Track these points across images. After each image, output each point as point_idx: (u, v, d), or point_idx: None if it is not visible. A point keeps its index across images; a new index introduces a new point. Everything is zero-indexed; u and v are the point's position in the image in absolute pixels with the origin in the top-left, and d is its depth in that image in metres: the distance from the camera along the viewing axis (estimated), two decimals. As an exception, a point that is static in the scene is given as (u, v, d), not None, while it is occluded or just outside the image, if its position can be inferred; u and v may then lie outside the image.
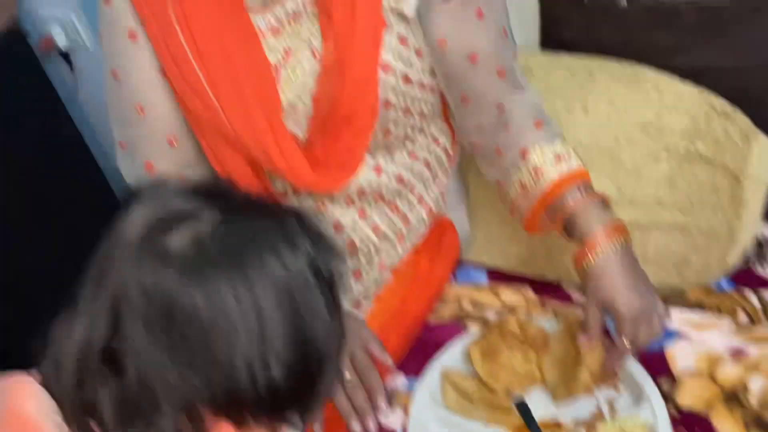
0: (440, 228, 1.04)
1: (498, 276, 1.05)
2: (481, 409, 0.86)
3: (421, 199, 1.01)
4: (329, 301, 0.57)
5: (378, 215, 0.98)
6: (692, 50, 0.98)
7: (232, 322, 0.51)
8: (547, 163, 0.87)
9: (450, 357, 0.91)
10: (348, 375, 0.86)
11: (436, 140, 1.01)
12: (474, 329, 0.96)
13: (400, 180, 0.97)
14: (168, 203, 0.55)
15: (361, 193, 0.95)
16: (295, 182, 0.91)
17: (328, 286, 0.57)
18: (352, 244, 0.97)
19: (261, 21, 0.86)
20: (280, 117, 0.87)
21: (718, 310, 0.92)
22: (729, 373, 0.85)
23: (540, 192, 0.87)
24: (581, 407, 0.84)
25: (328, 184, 0.92)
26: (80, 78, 1.73)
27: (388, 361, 0.88)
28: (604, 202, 0.85)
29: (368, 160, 0.93)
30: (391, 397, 0.89)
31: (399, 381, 0.92)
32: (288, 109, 0.88)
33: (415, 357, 0.94)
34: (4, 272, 1.55)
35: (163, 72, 0.87)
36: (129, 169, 0.95)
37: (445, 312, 1.01)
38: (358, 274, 0.99)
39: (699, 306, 0.93)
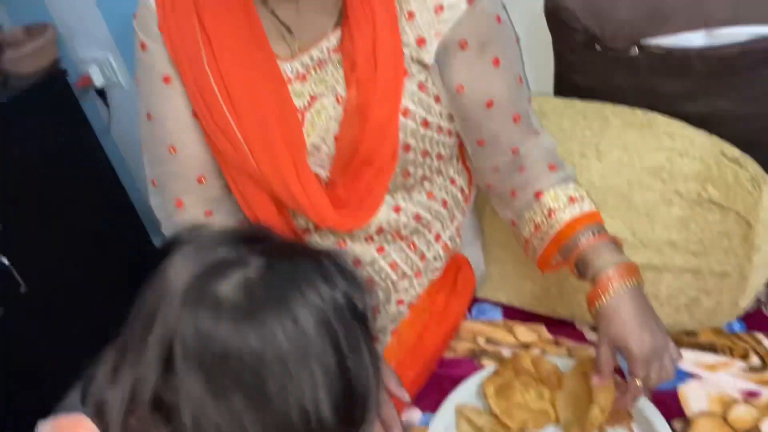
0: (456, 265, 1.07)
1: (512, 313, 1.06)
2: (495, 445, 0.87)
3: (438, 237, 1.04)
4: (367, 336, 0.58)
5: (396, 252, 1.01)
6: (703, 97, 1.00)
7: (285, 364, 0.52)
8: (561, 204, 0.89)
9: (465, 393, 0.93)
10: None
11: (453, 181, 1.04)
12: (488, 366, 0.97)
13: (418, 219, 1.00)
14: (213, 251, 0.56)
15: (381, 230, 0.98)
16: (317, 221, 0.94)
17: (364, 321, 0.58)
18: (371, 280, 1.00)
19: (288, 68, 0.90)
20: (304, 158, 0.91)
21: (730, 351, 0.93)
22: (742, 415, 0.85)
23: (553, 232, 0.89)
24: (594, 446, 0.84)
25: (349, 223, 0.95)
26: (114, 114, 1.80)
27: (405, 396, 0.89)
28: (617, 244, 0.87)
29: (388, 200, 0.96)
30: (406, 432, 0.91)
31: (414, 416, 0.94)
32: (312, 150, 0.91)
33: (430, 392, 0.96)
34: (37, 296, 1.60)
35: (195, 114, 0.92)
36: (160, 206, 0.99)
37: (461, 348, 1.02)
38: (376, 310, 1.01)
39: (711, 347, 0.94)
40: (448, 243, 1.05)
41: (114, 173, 1.80)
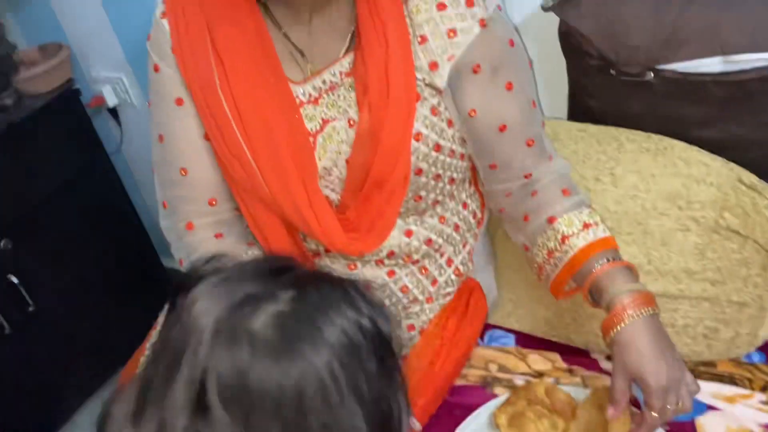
0: (468, 290, 1.05)
1: (525, 340, 1.05)
2: (507, 475, 0.85)
3: (449, 262, 1.03)
4: (394, 359, 0.57)
5: (407, 276, 1.00)
6: (719, 123, 0.99)
7: (325, 396, 0.51)
8: (575, 230, 0.88)
9: (476, 422, 0.91)
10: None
11: (465, 205, 1.03)
12: (501, 394, 0.96)
13: (429, 243, 0.99)
14: (240, 286, 0.55)
15: (392, 254, 0.97)
16: (327, 244, 0.93)
17: (390, 345, 0.58)
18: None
19: (301, 91, 0.90)
20: (315, 182, 0.90)
21: (749, 383, 0.91)
22: (761, 448, 0.83)
23: (567, 258, 0.88)
24: (609, 479, 0.83)
25: (360, 247, 0.94)
26: (126, 133, 1.81)
27: (416, 425, 0.88)
28: (632, 271, 0.85)
29: (399, 224, 0.96)
30: (416, 461, 0.89)
31: (425, 444, 0.93)
32: (323, 173, 0.91)
33: (441, 420, 0.94)
34: (45, 316, 1.60)
35: (207, 137, 0.92)
36: (170, 227, 0.99)
37: (472, 375, 1.01)
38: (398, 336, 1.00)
39: (729, 379, 0.92)
40: (460, 267, 1.04)
41: (125, 193, 1.80)
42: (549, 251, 0.90)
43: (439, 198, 0.97)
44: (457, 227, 1.02)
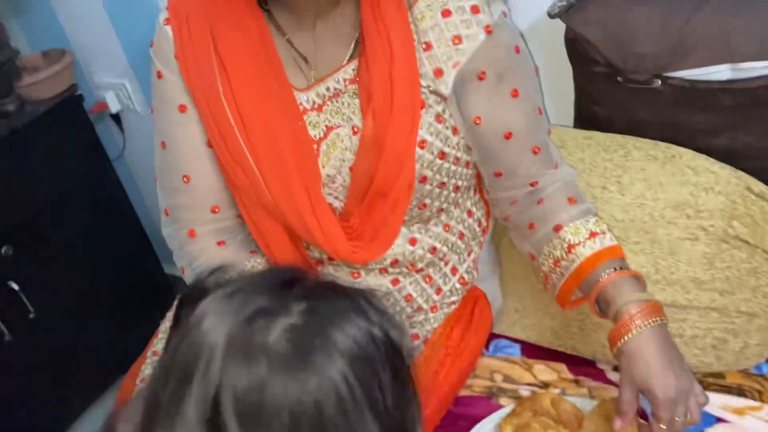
0: (473, 299, 1.05)
1: (531, 350, 1.04)
2: (512, 488, 0.84)
3: (454, 270, 1.02)
4: (407, 368, 0.56)
5: (411, 285, 0.99)
6: (727, 131, 0.98)
7: (343, 407, 0.50)
8: (581, 239, 0.87)
9: (481, 433, 0.90)
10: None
11: (470, 213, 1.02)
12: (506, 405, 0.94)
13: (434, 251, 0.98)
14: (250, 299, 0.53)
15: (396, 263, 0.96)
16: (330, 252, 0.92)
17: (402, 354, 0.57)
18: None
19: (304, 98, 0.89)
20: (319, 189, 0.90)
21: (759, 395, 0.90)
22: (771, 461, 0.82)
23: (573, 267, 0.87)
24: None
25: (363, 256, 0.93)
26: (129, 140, 1.81)
27: (419, 436, 0.87)
28: (640, 280, 0.84)
29: (403, 232, 0.95)
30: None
31: (429, 456, 0.91)
32: (327, 181, 0.90)
33: (445, 431, 0.93)
34: (45, 323, 1.59)
35: (210, 144, 0.91)
36: (172, 235, 0.98)
37: (477, 385, 1.00)
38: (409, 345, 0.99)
39: (738, 391, 0.91)
40: (465, 276, 1.03)
41: (127, 200, 1.80)
42: (555, 260, 0.89)
43: (444, 206, 0.96)
44: (461, 235, 1.01)
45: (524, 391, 0.97)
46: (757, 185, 0.95)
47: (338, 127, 0.89)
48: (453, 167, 0.92)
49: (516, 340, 1.06)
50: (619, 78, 0.99)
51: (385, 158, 0.86)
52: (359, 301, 0.55)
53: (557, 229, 0.89)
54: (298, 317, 0.52)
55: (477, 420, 0.92)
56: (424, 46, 0.85)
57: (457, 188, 0.95)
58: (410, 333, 1.01)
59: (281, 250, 0.95)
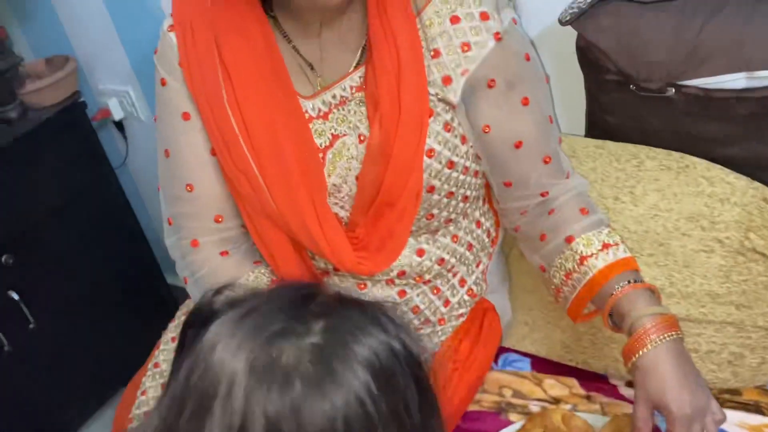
0: (481, 311, 1.03)
1: (541, 364, 1.02)
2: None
3: (462, 282, 1.00)
4: (429, 383, 0.55)
5: (419, 297, 0.97)
6: (742, 141, 0.96)
7: (370, 420, 0.49)
8: (594, 250, 0.85)
9: (490, 450, 0.88)
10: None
11: (479, 223, 1.00)
12: (515, 421, 0.92)
13: (442, 262, 0.96)
14: (267, 321, 0.52)
15: (402, 274, 0.94)
16: (336, 263, 0.91)
17: (423, 368, 0.55)
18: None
19: (310, 106, 0.88)
20: (324, 199, 0.88)
21: (777, 412, 0.88)
22: (790, 481, 0.80)
23: (585, 280, 0.85)
24: None
25: (370, 267, 0.91)
26: (132, 147, 1.80)
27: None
28: (655, 293, 0.82)
29: (411, 242, 0.93)
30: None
31: (437, 473, 0.89)
32: (332, 190, 0.89)
33: (453, 448, 0.91)
34: (46, 333, 1.58)
35: (214, 152, 0.90)
36: (175, 245, 0.97)
37: (486, 401, 0.98)
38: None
39: (756, 408, 0.89)
40: (474, 288, 1.01)
41: (129, 208, 1.79)
42: (567, 272, 0.87)
43: (452, 216, 0.94)
44: (470, 246, 0.99)
45: (534, 407, 0.95)
46: (773, 196, 0.93)
47: (344, 135, 0.88)
48: (461, 177, 0.90)
49: (526, 354, 1.04)
50: (631, 86, 0.98)
51: (392, 167, 0.84)
52: (376, 314, 0.54)
53: (569, 240, 0.87)
54: (320, 336, 0.51)
55: (486, 436, 0.90)
56: (432, 53, 0.84)
57: (465, 198, 0.93)
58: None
59: (285, 260, 0.93)
